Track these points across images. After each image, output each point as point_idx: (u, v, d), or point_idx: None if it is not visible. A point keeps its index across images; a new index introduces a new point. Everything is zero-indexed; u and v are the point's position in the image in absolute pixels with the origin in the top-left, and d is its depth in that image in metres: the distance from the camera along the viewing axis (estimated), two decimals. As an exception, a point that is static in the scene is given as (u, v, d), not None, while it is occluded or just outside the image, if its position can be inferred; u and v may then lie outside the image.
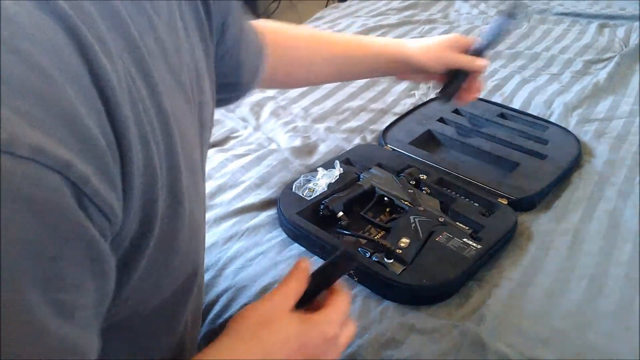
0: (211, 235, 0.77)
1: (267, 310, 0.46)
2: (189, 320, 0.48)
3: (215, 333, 0.67)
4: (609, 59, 1.27)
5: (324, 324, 0.48)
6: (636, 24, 1.43)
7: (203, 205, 0.43)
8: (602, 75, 1.20)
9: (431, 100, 1.11)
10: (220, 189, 0.86)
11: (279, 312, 0.47)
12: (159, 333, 0.43)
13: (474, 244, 0.74)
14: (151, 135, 0.33)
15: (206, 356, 0.43)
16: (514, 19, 0.81)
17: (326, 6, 2.08)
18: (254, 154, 0.94)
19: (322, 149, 0.97)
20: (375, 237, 0.77)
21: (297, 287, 0.49)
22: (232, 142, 0.98)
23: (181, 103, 0.40)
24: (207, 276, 0.72)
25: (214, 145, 0.97)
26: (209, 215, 0.80)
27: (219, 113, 1.05)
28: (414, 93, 1.15)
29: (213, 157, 0.93)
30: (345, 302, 0.51)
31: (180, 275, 0.40)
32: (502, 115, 1.06)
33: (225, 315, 0.68)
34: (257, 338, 0.44)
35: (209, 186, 0.86)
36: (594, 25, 1.44)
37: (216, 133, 1.00)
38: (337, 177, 0.86)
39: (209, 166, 0.90)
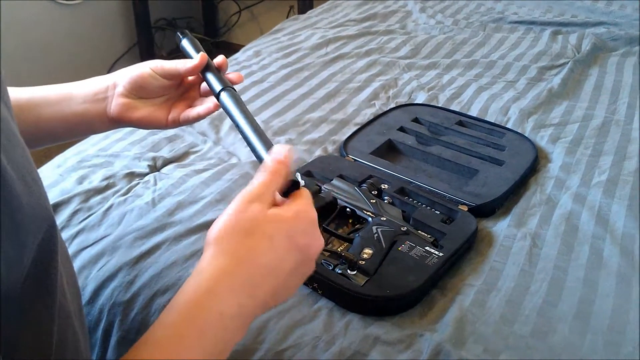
0: (171, 254, 0.75)
1: (246, 222, 0.46)
2: (67, 289, 0.47)
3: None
4: (563, 65, 1.31)
5: (305, 210, 0.49)
6: (588, 30, 1.47)
7: (22, 149, 0.41)
8: (556, 81, 1.23)
9: (391, 109, 1.12)
10: (179, 206, 0.84)
11: (258, 219, 0.46)
12: (39, 304, 0.42)
13: (436, 252, 0.74)
14: None
15: (203, 281, 0.43)
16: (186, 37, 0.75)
17: (287, 18, 2.09)
18: (214, 169, 0.93)
19: (283, 161, 0.96)
20: (339, 249, 0.77)
21: (272, 191, 0.49)
22: (191, 157, 0.97)
23: None
24: (167, 296, 0.70)
25: (173, 161, 0.95)
26: (168, 233, 0.79)
27: (177, 128, 1.04)
28: (374, 103, 1.16)
29: (172, 174, 0.91)
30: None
31: (38, 227, 0.40)
32: (460, 123, 1.08)
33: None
34: (242, 249, 0.45)
35: (168, 203, 0.84)
36: (547, 32, 1.48)
37: (175, 148, 0.98)
38: (299, 189, 0.85)
39: (167, 182, 0.89)
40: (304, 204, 0.50)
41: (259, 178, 0.49)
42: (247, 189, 0.49)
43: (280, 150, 0.51)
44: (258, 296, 0.46)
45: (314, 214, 0.50)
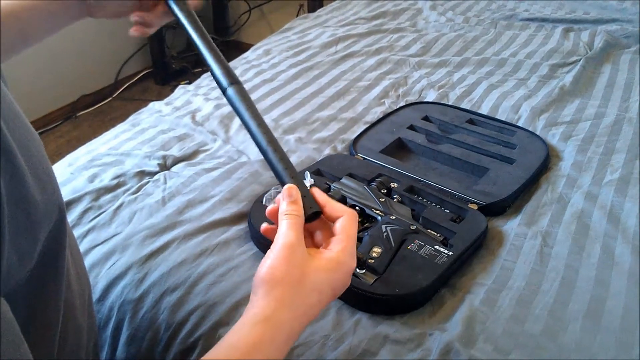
0: (180, 253, 0.76)
1: (294, 272, 0.49)
2: (73, 282, 0.50)
3: (187, 352, 0.66)
4: (574, 62, 1.30)
5: (347, 261, 0.51)
6: (600, 27, 1.46)
7: (37, 143, 0.44)
8: (568, 78, 1.22)
9: (401, 108, 1.12)
10: (189, 204, 0.84)
11: (304, 268, 0.49)
12: (47, 290, 0.44)
13: (446, 251, 0.74)
14: None
15: (264, 328, 0.46)
16: None
17: (297, 16, 2.09)
18: (224, 168, 0.93)
19: (293, 160, 0.96)
20: (348, 248, 0.76)
21: (300, 236, 0.50)
22: (201, 156, 0.97)
23: None
24: (176, 295, 0.70)
25: (183, 159, 0.96)
26: (178, 231, 0.79)
27: (187, 127, 1.04)
28: (384, 101, 1.16)
29: (182, 172, 0.92)
30: (354, 225, 0.53)
31: (49, 221, 0.42)
32: (470, 121, 1.07)
33: (197, 334, 0.67)
34: (298, 302, 0.48)
35: (178, 201, 0.85)
36: (559, 29, 1.47)
37: (185, 147, 0.99)
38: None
39: (177, 181, 0.89)
40: (344, 252, 0.52)
41: (285, 223, 0.52)
42: (285, 236, 0.50)
43: (291, 192, 0.54)
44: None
45: (353, 263, 0.52)
